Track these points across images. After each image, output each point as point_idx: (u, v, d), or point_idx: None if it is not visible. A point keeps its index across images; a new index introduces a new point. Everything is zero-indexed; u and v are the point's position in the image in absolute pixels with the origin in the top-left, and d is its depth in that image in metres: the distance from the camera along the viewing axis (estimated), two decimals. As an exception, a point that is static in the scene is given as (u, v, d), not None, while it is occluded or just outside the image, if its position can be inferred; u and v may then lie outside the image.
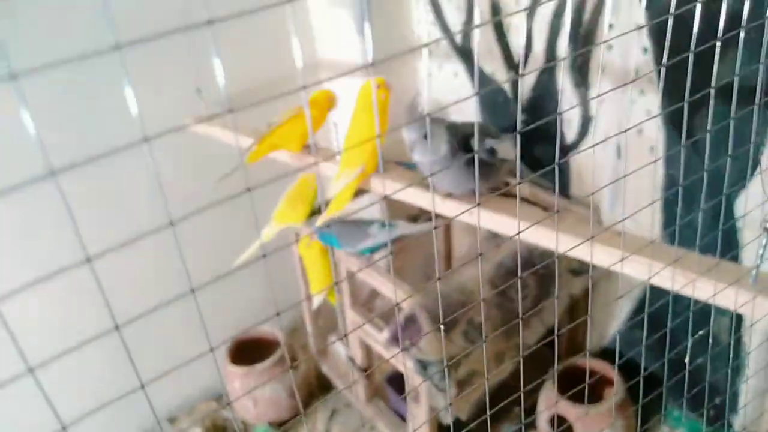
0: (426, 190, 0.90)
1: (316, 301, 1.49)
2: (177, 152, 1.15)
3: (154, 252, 1.08)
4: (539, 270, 1.37)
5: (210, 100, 1.46)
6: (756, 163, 1.16)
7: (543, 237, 0.72)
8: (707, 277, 0.59)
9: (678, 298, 1.34)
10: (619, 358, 1.56)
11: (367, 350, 1.54)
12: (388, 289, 1.29)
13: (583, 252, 0.69)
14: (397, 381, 1.55)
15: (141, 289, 1.60)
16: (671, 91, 1.25)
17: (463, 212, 0.83)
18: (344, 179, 1.00)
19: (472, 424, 1.48)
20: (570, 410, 1.43)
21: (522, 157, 1.45)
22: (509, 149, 0.92)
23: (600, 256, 0.67)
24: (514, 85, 1.51)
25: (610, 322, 1.60)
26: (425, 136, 0.78)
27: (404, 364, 1.33)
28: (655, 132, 1.31)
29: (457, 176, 0.83)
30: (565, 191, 1.52)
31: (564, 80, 1.42)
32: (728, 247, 1.26)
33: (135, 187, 1.51)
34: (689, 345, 1.09)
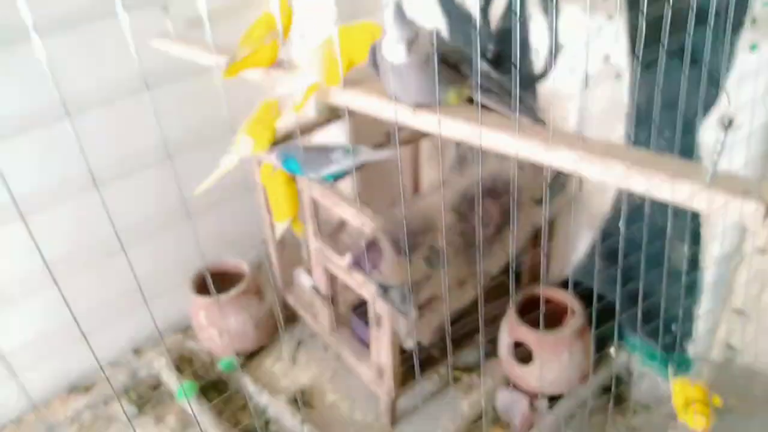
0: (397, 104, 0.88)
1: (279, 229, 1.48)
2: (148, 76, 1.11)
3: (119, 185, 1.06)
4: (502, 198, 1.37)
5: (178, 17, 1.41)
6: (717, 88, 1.16)
7: (506, 143, 0.71)
8: (664, 173, 0.59)
9: (636, 223, 1.36)
10: (579, 287, 1.59)
11: (331, 279, 1.54)
12: (351, 215, 1.29)
13: (542, 155, 0.69)
14: (361, 310, 1.57)
15: (99, 221, 1.57)
16: (638, 16, 1.23)
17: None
18: (305, 78, 0.98)
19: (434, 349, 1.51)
20: (530, 336, 1.46)
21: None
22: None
23: (559, 158, 0.66)
24: (484, 12, 1.48)
25: (572, 252, 1.63)
26: (410, 39, 0.76)
27: (367, 290, 1.33)
28: (622, 58, 1.30)
29: (429, 84, 0.81)
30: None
31: (533, 8, 1.39)
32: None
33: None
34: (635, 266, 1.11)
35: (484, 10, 1.48)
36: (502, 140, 0.72)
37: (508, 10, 1.44)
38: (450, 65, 0.84)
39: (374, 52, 0.87)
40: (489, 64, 1.52)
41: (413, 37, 0.78)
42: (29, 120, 1.29)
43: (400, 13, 0.77)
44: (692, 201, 0.60)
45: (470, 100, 0.90)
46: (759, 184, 0.57)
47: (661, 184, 0.60)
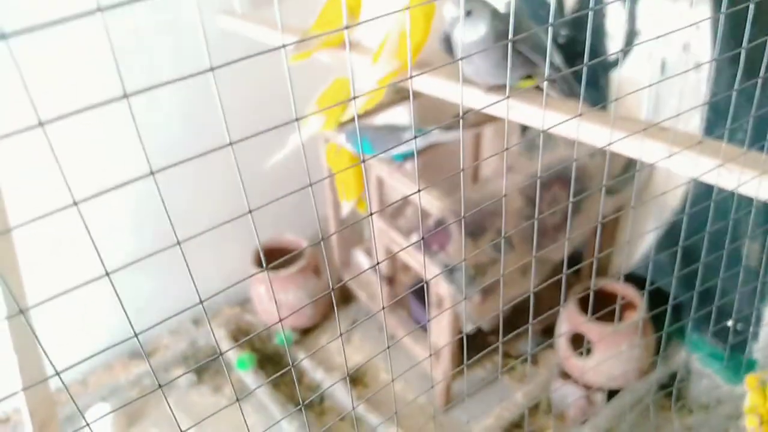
0: (468, 86, 0.88)
1: (346, 208, 1.49)
2: (216, 54, 1.13)
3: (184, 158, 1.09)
4: (572, 186, 1.35)
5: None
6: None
7: (588, 131, 0.70)
8: (756, 169, 0.57)
9: (706, 219, 1.32)
10: (642, 282, 1.56)
11: (392, 259, 1.55)
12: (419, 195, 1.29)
13: (630, 147, 0.67)
14: (419, 292, 1.57)
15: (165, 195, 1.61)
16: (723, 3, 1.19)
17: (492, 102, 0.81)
18: (381, 67, 0.98)
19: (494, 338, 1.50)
20: (590, 328, 1.44)
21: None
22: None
23: (647, 149, 0.65)
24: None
25: (637, 246, 1.59)
26: (468, 14, 0.76)
27: (429, 272, 1.33)
28: (702, 48, 1.26)
29: (499, 64, 0.80)
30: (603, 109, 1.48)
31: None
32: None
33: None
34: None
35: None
36: (591, 131, 0.71)
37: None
38: (521, 53, 0.84)
39: (447, 33, 0.87)
40: (560, 55, 1.49)
41: (465, 15, 0.77)
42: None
43: None
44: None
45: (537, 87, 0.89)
46: None
47: (757, 184, 0.58)
